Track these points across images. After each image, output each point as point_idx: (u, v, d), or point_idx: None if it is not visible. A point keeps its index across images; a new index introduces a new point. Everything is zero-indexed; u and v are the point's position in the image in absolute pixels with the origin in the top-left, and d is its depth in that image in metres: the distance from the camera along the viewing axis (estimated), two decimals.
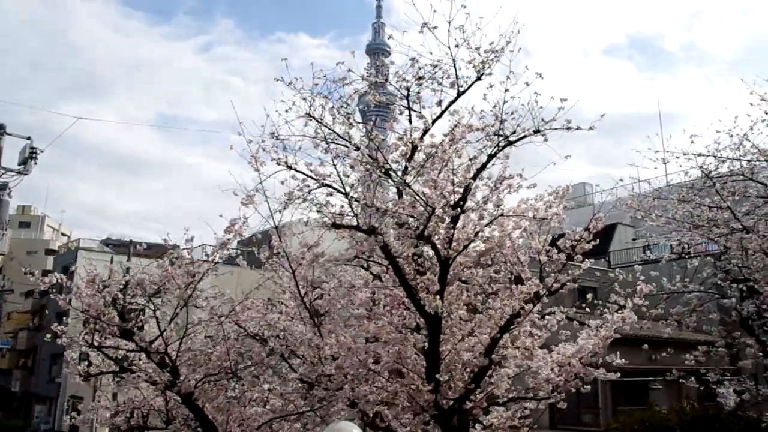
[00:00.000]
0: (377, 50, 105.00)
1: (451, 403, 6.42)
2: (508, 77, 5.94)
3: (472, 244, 6.26)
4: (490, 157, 6.02)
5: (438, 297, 5.90)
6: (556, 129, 6.06)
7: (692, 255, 11.51)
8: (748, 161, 10.44)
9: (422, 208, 5.71)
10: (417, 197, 5.70)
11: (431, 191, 5.82)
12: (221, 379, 6.99)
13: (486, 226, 5.99)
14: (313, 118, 6.43)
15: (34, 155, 14.16)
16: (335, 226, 6.16)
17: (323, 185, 6.96)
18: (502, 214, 6.01)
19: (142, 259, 14.97)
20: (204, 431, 7.28)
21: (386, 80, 6.90)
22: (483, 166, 6.00)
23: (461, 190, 5.92)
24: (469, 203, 5.98)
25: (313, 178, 6.98)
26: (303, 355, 7.21)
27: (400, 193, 6.55)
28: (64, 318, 7.76)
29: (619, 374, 7.18)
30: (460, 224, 5.98)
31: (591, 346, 6.51)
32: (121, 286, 6.89)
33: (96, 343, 6.89)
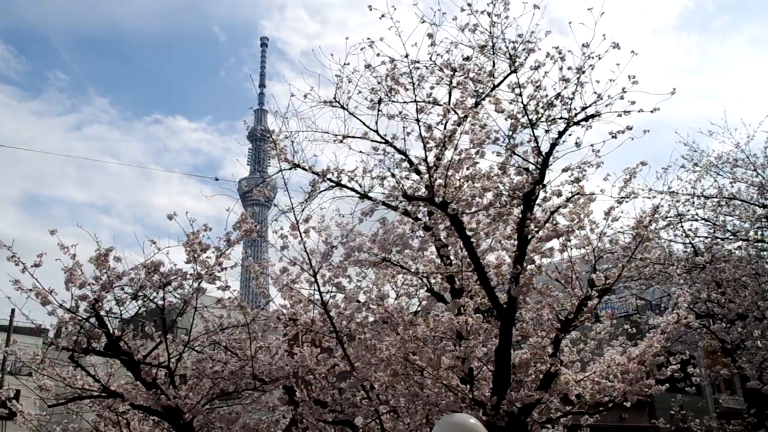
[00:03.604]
0: (260, 136, 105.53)
1: (517, 411, 5.62)
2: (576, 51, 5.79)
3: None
4: (561, 134, 5.69)
5: (515, 281, 5.28)
6: (615, 112, 5.92)
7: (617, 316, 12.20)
8: (706, 198, 11.37)
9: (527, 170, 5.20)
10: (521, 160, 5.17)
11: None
12: (240, 398, 5.69)
13: (567, 202, 5.54)
14: None
15: None
16: (407, 197, 5.45)
17: (338, 185, 6.42)
18: (578, 194, 5.60)
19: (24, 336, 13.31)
20: None
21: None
22: (555, 144, 5.63)
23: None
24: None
25: (330, 180, 6.45)
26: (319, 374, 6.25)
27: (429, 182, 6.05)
28: None
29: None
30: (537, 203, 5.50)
31: (657, 345, 6.06)
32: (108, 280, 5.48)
33: (76, 357, 5.44)
